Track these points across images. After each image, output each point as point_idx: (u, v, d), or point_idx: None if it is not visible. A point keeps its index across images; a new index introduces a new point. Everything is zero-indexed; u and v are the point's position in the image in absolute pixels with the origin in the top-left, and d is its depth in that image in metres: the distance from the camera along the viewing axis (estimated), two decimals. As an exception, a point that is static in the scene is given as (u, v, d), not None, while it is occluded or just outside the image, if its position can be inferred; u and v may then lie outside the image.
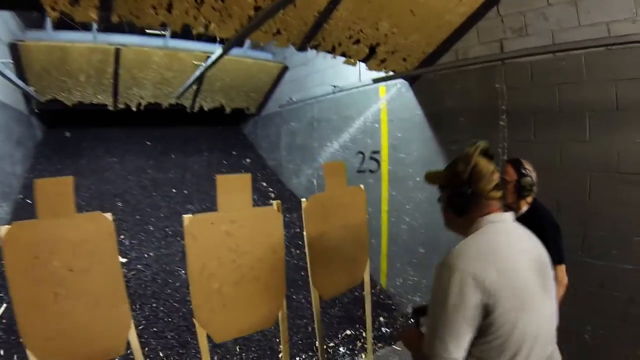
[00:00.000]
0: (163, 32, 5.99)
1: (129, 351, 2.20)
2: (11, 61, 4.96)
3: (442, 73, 3.85)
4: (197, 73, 5.00)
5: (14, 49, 5.05)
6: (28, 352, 1.91)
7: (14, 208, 5.07)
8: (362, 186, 3.20)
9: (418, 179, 4.23)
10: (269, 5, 2.44)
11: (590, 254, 2.90)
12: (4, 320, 3.64)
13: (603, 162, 2.83)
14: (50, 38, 5.46)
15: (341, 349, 3.80)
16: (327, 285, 2.85)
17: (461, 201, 1.42)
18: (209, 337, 2.26)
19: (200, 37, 7.25)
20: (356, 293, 4.49)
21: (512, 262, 1.29)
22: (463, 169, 1.43)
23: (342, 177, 3.03)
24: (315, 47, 3.36)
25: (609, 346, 2.84)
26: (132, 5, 2.52)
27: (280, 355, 3.57)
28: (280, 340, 2.66)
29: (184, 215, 2.12)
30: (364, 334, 4.05)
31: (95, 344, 2.05)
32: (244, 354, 3.61)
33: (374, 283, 4.69)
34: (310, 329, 4.04)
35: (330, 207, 2.89)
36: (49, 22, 5.47)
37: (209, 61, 4.35)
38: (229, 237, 2.28)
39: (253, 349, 3.69)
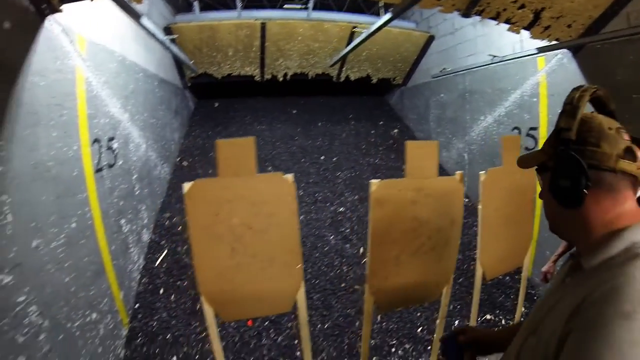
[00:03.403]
0: (304, 6, 6.37)
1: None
2: (173, 36, 5.68)
3: (611, 41, 3.51)
4: (358, 40, 5.28)
5: (168, 32, 5.86)
6: (202, 300, 2.19)
7: (172, 169, 6.02)
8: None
9: (579, 159, 3.95)
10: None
11: None
12: (164, 265, 4.37)
13: None
14: (198, 19, 6.29)
15: None
16: (493, 263, 2.84)
17: (570, 179, 0.94)
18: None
19: (341, 8, 7.61)
20: (499, 277, 4.42)
21: None
22: (567, 124, 0.98)
23: (517, 152, 2.87)
24: (480, 13, 3.32)
25: None
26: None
27: (419, 330, 3.73)
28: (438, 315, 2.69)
29: (371, 181, 2.23)
30: (503, 321, 4.02)
31: (265, 299, 2.29)
32: (384, 323, 3.83)
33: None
34: (457, 306, 4.13)
35: (505, 183, 2.82)
36: (196, 5, 6.35)
37: (372, 28, 4.54)
38: (413, 205, 2.31)
39: (394, 319, 3.92)
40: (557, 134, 1.00)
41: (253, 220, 2.16)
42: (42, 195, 2.39)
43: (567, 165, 0.95)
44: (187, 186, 2.07)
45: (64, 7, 2.53)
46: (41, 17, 2.44)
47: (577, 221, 0.98)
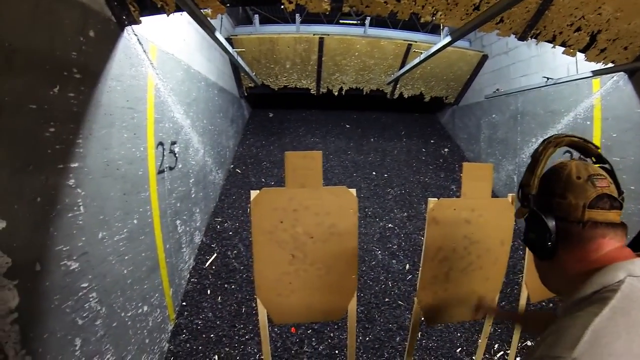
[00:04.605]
0: (361, 22, 6.49)
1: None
2: (239, 50, 5.92)
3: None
4: (416, 61, 5.34)
5: (229, 43, 6.07)
6: (258, 302, 2.29)
7: (226, 175, 6.23)
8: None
9: (632, 187, 3.79)
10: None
11: None
12: (213, 267, 4.54)
13: None
14: (258, 31, 6.58)
15: (518, 359, 3.71)
16: (538, 286, 2.78)
17: (536, 233, 0.97)
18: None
19: (396, 25, 7.69)
20: (543, 303, 4.29)
21: None
22: (526, 180, 1.02)
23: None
24: (536, 36, 3.30)
25: None
26: (364, -4, 2.81)
27: (458, 350, 3.68)
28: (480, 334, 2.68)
29: (429, 199, 2.29)
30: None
31: (318, 306, 2.37)
32: (424, 341, 3.79)
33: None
34: (498, 330, 4.06)
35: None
36: (256, 18, 6.63)
37: (431, 51, 4.60)
38: (466, 225, 2.35)
39: (434, 337, 3.90)
40: (521, 190, 1.03)
41: (315, 230, 2.26)
42: (110, 191, 2.57)
43: (532, 219, 0.98)
44: (254, 193, 2.19)
45: (142, 19, 2.74)
46: (121, 27, 2.65)
47: (554, 271, 1.00)
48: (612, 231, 0.91)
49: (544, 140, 1.05)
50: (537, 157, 1.02)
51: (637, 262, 0.85)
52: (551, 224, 0.93)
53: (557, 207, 0.94)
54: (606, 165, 1.02)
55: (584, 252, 0.92)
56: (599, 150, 1.07)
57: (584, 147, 1.08)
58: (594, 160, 1.07)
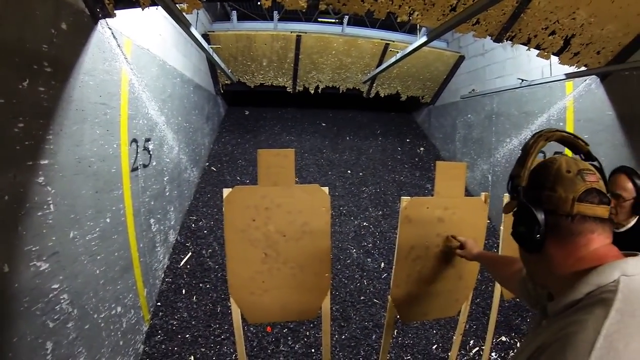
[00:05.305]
0: (339, 21, 6.49)
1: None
2: (215, 46, 5.85)
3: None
4: (392, 60, 5.40)
5: (206, 39, 5.98)
6: (232, 301, 2.27)
7: (201, 173, 6.15)
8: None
9: (602, 187, 3.90)
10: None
11: None
12: (188, 266, 4.48)
13: None
14: (235, 28, 6.51)
15: (493, 354, 3.78)
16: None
17: (525, 226, 0.97)
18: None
19: (374, 25, 7.71)
20: (517, 299, 4.39)
21: None
22: (516, 172, 1.03)
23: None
24: (511, 39, 3.38)
25: None
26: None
27: (434, 347, 3.73)
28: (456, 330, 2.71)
29: (402, 197, 2.29)
30: (518, 344, 3.96)
31: (292, 306, 2.35)
32: (399, 338, 3.81)
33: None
34: (473, 327, 4.11)
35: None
36: (234, 14, 6.55)
37: (407, 50, 4.66)
38: (440, 223, 2.34)
39: (410, 334, 3.92)
40: (511, 182, 1.04)
41: (287, 229, 2.25)
42: (82, 189, 2.50)
43: (521, 212, 0.99)
44: (226, 191, 2.16)
45: (117, 12, 2.67)
46: (94, 20, 2.58)
47: (542, 265, 0.99)
48: (600, 227, 0.91)
49: (534, 134, 1.05)
50: (527, 149, 1.03)
51: (630, 261, 0.84)
52: (540, 216, 0.94)
53: (546, 200, 0.95)
54: (595, 163, 1.04)
55: (572, 246, 0.92)
56: (588, 147, 1.08)
57: (574, 143, 1.09)
58: (583, 157, 1.08)
